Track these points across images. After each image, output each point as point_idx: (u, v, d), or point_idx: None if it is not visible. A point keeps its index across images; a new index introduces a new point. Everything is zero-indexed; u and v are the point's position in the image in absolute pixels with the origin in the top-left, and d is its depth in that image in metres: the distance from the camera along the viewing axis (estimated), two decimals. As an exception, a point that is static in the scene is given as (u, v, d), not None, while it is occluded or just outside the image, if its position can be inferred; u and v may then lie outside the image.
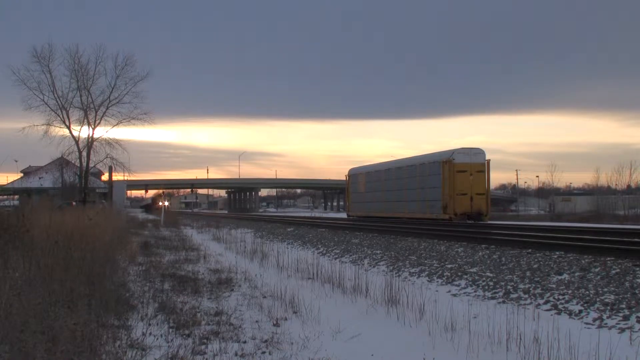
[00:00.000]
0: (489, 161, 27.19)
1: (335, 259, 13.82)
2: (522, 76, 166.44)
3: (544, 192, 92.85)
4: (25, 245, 8.02)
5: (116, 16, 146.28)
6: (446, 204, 26.62)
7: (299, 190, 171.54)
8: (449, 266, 10.64)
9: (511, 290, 8.21)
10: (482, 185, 26.81)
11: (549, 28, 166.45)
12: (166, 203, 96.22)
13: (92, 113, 40.73)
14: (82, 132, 41.17)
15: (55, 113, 39.77)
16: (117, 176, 46.11)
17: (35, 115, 39.81)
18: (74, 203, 32.97)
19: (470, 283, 9.06)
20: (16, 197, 50.18)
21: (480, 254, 11.61)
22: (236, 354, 5.16)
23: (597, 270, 8.72)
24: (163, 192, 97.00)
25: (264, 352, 5.27)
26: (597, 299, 7.09)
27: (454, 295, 8.48)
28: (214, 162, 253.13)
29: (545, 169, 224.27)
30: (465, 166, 26.51)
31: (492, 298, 8.02)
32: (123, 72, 40.69)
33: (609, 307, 6.72)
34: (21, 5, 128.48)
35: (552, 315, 6.80)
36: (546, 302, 7.38)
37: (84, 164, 41.14)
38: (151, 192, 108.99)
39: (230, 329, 6.08)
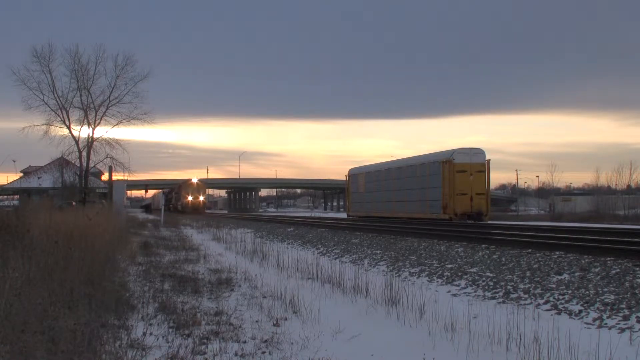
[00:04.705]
0: (489, 161, 27.21)
1: (335, 259, 13.81)
2: (522, 76, 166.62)
3: (544, 192, 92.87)
4: (25, 245, 8.02)
5: (116, 16, 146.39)
6: (446, 204, 26.63)
7: (299, 190, 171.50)
8: (449, 266, 10.64)
9: (511, 290, 8.21)
10: (482, 185, 26.82)
11: (549, 27, 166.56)
12: (201, 198, 66.96)
13: (92, 113, 40.83)
14: (82, 132, 41.27)
15: (55, 113, 39.87)
16: (117, 176, 46.14)
17: (35, 115, 39.93)
18: (74, 203, 32.97)
19: (470, 283, 9.06)
20: (16, 197, 50.22)
21: (480, 254, 11.61)
22: (236, 354, 5.16)
23: (597, 270, 8.72)
24: (196, 183, 67.72)
25: (264, 352, 5.27)
26: (597, 299, 7.09)
27: (454, 295, 8.47)
28: (213, 162, 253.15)
29: (545, 169, 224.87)
30: (465, 166, 26.52)
31: (492, 298, 8.01)
32: (123, 72, 40.80)
33: (609, 307, 6.72)
34: (21, 5, 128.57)
35: (552, 315, 6.80)
36: (546, 302, 7.38)
37: (84, 164, 41.19)
38: (151, 192, 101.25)
39: (230, 329, 6.08)
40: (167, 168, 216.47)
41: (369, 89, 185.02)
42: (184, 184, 68.41)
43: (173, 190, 74.25)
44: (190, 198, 64.03)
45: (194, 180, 68.58)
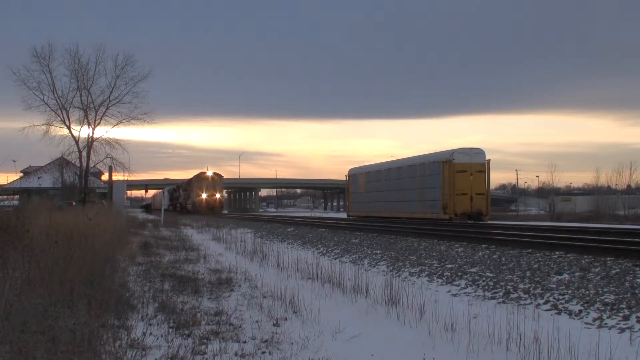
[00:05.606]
0: (489, 161, 27.21)
1: (335, 259, 13.81)
2: (521, 76, 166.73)
3: (544, 192, 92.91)
4: (25, 245, 8.02)
5: (116, 16, 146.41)
6: (446, 204, 26.63)
7: (299, 190, 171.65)
8: (449, 266, 10.64)
9: (511, 290, 8.21)
10: (482, 185, 26.83)
11: (549, 28, 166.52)
12: (217, 195, 55.85)
13: (92, 113, 40.95)
14: (82, 132, 41.35)
15: (55, 113, 39.99)
16: (117, 176, 46.20)
17: (35, 115, 40.09)
18: (74, 203, 32.97)
19: (470, 283, 9.06)
20: (16, 197, 50.23)
21: (480, 254, 11.60)
22: (236, 354, 5.15)
23: (597, 270, 8.72)
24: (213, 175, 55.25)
25: (264, 352, 5.27)
26: (597, 299, 7.09)
27: (454, 295, 8.47)
28: (213, 162, 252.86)
29: (545, 169, 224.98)
30: (465, 166, 26.53)
31: (492, 298, 8.01)
32: (123, 72, 40.96)
33: (609, 307, 6.72)
34: (21, 5, 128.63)
35: (552, 315, 6.79)
36: (546, 302, 7.38)
37: (84, 164, 41.22)
38: (151, 192, 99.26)
39: (230, 329, 6.08)
40: (167, 168, 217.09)
41: (369, 89, 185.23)
42: (197, 179, 56.83)
43: (180, 187, 65.29)
44: (204, 195, 54.08)
45: (209, 173, 56.75)
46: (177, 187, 68.53)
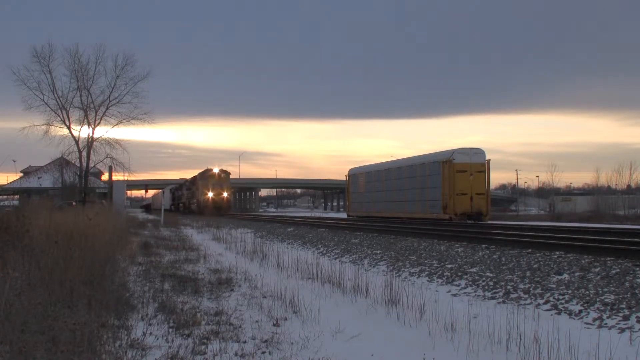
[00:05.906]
0: (489, 161, 27.22)
1: (335, 259, 13.80)
2: (521, 76, 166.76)
3: (544, 192, 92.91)
4: (25, 245, 8.01)
5: (116, 16, 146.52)
6: (446, 204, 26.64)
7: (299, 190, 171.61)
8: (449, 266, 10.64)
9: (511, 290, 8.21)
10: (482, 185, 26.84)
11: (549, 28, 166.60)
12: (225, 194, 52.44)
13: (92, 113, 40.96)
14: (82, 132, 41.35)
15: (55, 113, 40.00)
16: (117, 176, 46.21)
17: (35, 115, 40.10)
18: (74, 203, 32.98)
19: (470, 283, 9.06)
20: (16, 197, 50.24)
21: (480, 254, 11.60)
22: (236, 354, 5.16)
23: (597, 270, 8.72)
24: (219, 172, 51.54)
25: (264, 352, 5.27)
26: (597, 299, 7.09)
27: (454, 295, 8.47)
28: (213, 162, 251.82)
29: (545, 169, 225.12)
30: (465, 166, 26.54)
31: (492, 298, 8.01)
32: (123, 72, 40.98)
33: (609, 307, 6.72)
34: (21, 5, 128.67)
35: (552, 315, 6.79)
36: (546, 302, 7.38)
37: (84, 164, 41.22)
38: (151, 192, 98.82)
39: (230, 329, 6.08)
40: (167, 168, 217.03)
41: (369, 89, 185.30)
42: (203, 176, 53.22)
43: (184, 185, 61.92)
44: (210, 194, 50.99)
45: (216, 170, 53.19)
46: (180, 186, 64.94)
